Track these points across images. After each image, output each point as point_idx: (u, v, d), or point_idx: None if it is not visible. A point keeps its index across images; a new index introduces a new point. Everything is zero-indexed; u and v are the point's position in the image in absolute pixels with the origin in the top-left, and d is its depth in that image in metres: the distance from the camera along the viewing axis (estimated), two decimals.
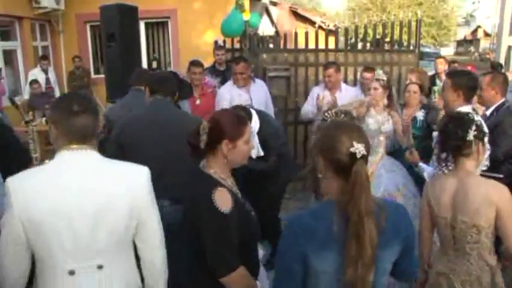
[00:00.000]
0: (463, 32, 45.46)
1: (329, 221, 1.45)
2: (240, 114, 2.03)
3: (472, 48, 42.33)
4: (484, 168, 2.75)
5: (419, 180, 3.45)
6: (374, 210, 1.44)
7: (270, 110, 4.63)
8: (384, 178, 3.56)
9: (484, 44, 39.97)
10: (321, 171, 1.55)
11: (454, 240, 2.10)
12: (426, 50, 24.31)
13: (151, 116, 2.71)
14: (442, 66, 7.18)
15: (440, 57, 8.12)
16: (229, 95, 4.49)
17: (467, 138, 2.06)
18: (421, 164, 3.03)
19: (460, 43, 47.20)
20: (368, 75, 4.80)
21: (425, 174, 2.92)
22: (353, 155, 1.44)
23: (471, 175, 2.11)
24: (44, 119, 6.89)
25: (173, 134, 2.60)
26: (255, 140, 3.33)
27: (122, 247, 1.75)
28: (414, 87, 4.36)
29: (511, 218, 1.98)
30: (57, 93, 8.71)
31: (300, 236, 1.47)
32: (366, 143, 1.49)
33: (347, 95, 4.71)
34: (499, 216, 1.98)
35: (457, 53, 42.28)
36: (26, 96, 8.11)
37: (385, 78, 3.95)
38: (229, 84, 4.70)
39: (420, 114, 4.19)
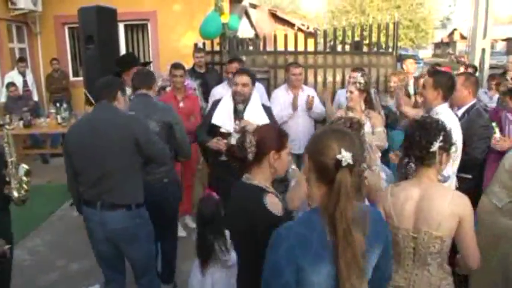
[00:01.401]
0: (440, 35, 46.27)
1: (320, 229, 1.43)
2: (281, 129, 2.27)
3: (450, 50, 43.10)
4: (446, 175, 2.75)
5: None
6: (359, 216, 1.43)
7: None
8: None
9: (461, 46, 40.68)
10: (306, 173, 1.55)
11: (413, 251, 2.04)
12: (404, 52, 24.69)
13: (89, 122, 2.74)
14: (412, 67, 6.66)
15: (410, 57, 8.03)
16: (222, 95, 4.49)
17: (431, 150, 2.00)
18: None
19: (437, 45, 48.03)
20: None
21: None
22: (339, 162, 1.41)
23: (434, 184, 2.06)
24: (21, 122, 6.79)
25: (110, 138, 2.63)
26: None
27: None
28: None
29: (471, 230, 1.98)
30: (35, 96, 8.59)
31: (296, 248, 1.42)
32: (356, 153, 1.45)
33: (306, 95, 4.79)
34: (460, 228, 1.96)
35: (434, 55, 43.01)
36: (2, 99, 7.97)
37: (362, 82, 3.89)
38: (224, 84, 4.79)
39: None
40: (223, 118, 3.64)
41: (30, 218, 4.99)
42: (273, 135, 2.04)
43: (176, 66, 4.75)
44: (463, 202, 1.98)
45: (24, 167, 3.04)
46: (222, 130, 3.56)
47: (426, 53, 40.30)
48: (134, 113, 2.95)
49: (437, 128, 2.03)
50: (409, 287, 2.06)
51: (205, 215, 2.66)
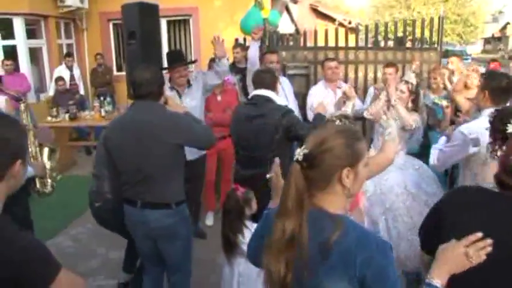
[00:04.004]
0: (491, 29, 44.35)
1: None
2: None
3: (502, 46, 41.17)
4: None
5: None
6: (307, 218, 1.35)
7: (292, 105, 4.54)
8: (392, 174, 3.37)
9: None
10: None
11: None
12: (451, 48, 23.84)
13: (132, 123, 2.65)
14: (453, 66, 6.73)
15: (455, 55, 7.70)
16: None
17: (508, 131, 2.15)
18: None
19: (487, 41, 46.12)
20: (390, 70, 4.78)
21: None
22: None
23: None
24: (67, 115, 7.05)
25: (152, 144, 2.56)
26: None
27: None
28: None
29: None
30: (81, 90, 8.89)
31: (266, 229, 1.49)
32: (313, 145, 1.39)
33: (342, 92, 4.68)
34: None
35: (484, 51, 41.33)
36: (50, 92, 8.30)
37: (414, 83, 3.80)
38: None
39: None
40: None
41: (74, 207, 5.18)
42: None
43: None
44: None
45: (47, 149, 3.15)
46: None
47: (475, 49, 38.78)
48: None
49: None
50: None
51: (225, 208, 2.69)
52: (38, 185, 3.07)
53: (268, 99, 3.17)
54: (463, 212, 1.68)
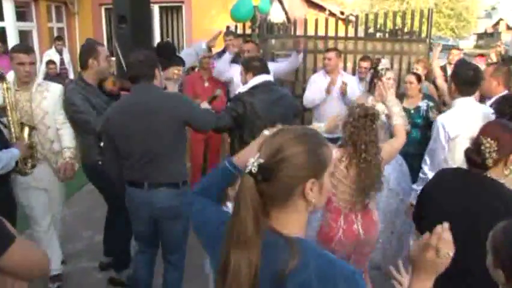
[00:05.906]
0: (484, 25, 44.51)
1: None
2: None
3: (499, 42, 41.28)
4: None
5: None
6: (265, 243, 1.12)
7: None
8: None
9: (506, 37, 39.01)
10: None
11: None
12: (444, 42, 23.85)
13: (132, 106, 2.67)
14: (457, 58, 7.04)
15: (456, 48, 7.92)
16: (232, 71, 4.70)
17: None
18: None
19: (480, 36, 46.27)
20: (364, 64, 4.85)
21: None
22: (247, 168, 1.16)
23: None
24: None
25: (157, 122, 2.59)
26: None
27: None
28: (412, 78, 4.35)
29: None
30: (71, 75, 8.85)
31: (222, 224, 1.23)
32: (268, 155, 1.15)
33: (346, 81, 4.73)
34: None
35: (476, 46, 41.45)
36: (40, 76, 8.23)
37: (389, 66, 3.98)
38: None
39: (423, 104, 4.20)
40: None
41: None
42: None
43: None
44: None
45: (27, 128, 3.12)
46: None
47: (468, 44, 38.84)
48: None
49: None
50: None
51: None
52: (19, 164, 3.05)
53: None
54: (440, 190, 1.98)
